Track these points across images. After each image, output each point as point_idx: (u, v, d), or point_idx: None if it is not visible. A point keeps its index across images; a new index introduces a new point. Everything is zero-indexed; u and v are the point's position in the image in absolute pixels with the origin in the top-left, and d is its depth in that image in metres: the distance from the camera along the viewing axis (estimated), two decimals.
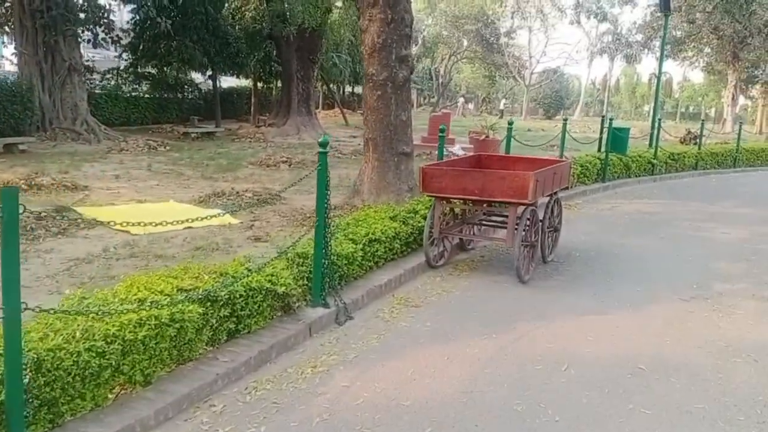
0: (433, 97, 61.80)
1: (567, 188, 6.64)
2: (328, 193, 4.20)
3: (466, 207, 6.12)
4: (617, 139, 12.24)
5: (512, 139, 9.27)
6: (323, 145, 4.11)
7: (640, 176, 13.10)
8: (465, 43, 55.72)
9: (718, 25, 35.29)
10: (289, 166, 13.31)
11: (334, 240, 4.83)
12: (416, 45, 51.62)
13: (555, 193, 6.25)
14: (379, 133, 8.34)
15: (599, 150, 12.52)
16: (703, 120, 15.44)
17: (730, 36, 35.69)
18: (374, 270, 5.26)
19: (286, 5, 19.44)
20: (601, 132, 12.55)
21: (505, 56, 49.59)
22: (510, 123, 9.16)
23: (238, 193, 8.99)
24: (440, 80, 60.50)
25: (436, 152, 17.92)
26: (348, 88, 52.07)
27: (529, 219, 5.57)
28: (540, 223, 5.89)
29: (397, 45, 8.21)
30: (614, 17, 51.71)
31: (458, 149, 18.81)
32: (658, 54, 47.00)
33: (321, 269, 4.25)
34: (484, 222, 6.70)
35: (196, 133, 19.49)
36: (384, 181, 8.27)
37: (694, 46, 41.57)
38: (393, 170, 8.34)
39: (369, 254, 5.11)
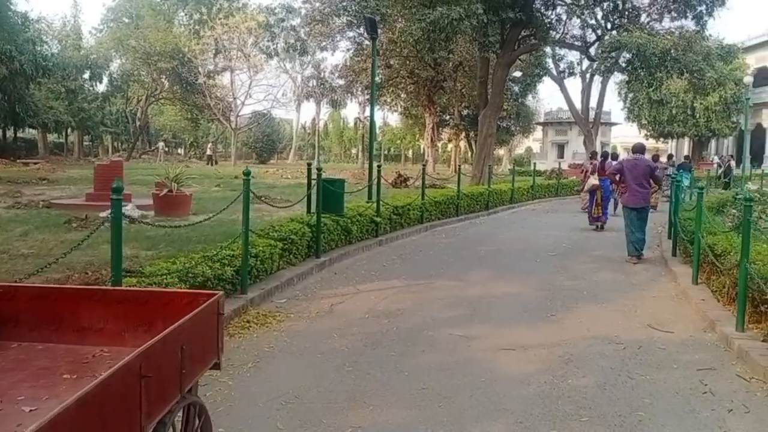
0: (131, 141, 54.59)
1: (217, 366, 2.60)
2: None
3: None
4: (330, 195, 8.87)
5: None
6: None
7: (363, 239, 10.00)
8: (166, 83, 50.22)
9: (414, 69, 36.11)
10: None
11: None
12: (100, 83, 44.48)
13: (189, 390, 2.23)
14: None
15: (308, 211, 9.01)
16: (424, 164, 13.34)
17: (425, 81, 36.81)
18: None
19: None
20: (309, 186, 9.07)
21: (207, 97, 45.29)
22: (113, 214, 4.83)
23: None
24: (137, 123, 53.65)
25: (103, 214, 12.91)
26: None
27: None
28: None
29: None
30: (318, 62, 51.44)
31: (131, 208, 13.86)
32: (361, 99, 47.90)
33: None
34: None
35: None
36: None
37: (392, 91, 42.52)
38: None
39: None
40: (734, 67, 35.38)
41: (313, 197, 8.59)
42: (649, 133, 48.74)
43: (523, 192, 20.00)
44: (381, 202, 10.74)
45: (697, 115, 42.60)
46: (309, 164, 9.33)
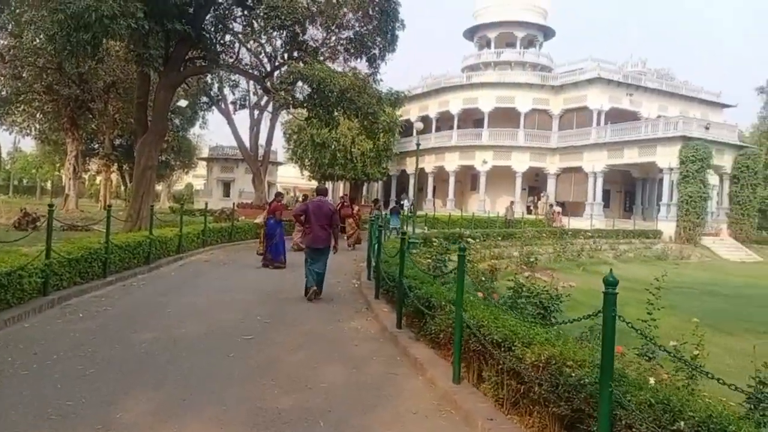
0: None
1: None
2: None
3: None
4: None
5: None
6: None
7: None
8: None
9: (53, 85, 29.70)
10: None
11: None
12: None
13: None
14: None
15: None
16: (51, 206, 8.95)
17: (67, 100, 30.58)
18: None
19: None
20: None
21: None
22: None
23: None
24: None
25: None
26: None
27: None
28: None
29: None
30: None
31: None
32: None
33: None
34: None
35: None
36: None
37: (24, 110, 34.73)
38: None
39: None
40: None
41: None
42: (311, 175, 49.80)
43: (193, 239, 16.58)
44: None
45: (355, 159, 44.91)
46: None
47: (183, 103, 28.01)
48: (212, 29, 19.49)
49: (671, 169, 34.61)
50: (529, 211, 41.11)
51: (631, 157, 38.04)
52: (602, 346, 3.40)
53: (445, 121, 48.80)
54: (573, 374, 4.06)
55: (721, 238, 34.41)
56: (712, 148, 33.98)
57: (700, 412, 3.26)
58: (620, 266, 24.16)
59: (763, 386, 3.77)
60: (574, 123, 43.71)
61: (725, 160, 36.32)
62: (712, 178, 35.52)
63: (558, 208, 34.75)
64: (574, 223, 34.25)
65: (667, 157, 34.94)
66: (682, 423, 3.18)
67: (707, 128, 35.61)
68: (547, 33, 52.10)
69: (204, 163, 54.30)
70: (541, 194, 42.44)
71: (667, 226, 34.31)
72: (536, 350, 4.55)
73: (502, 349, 4.95)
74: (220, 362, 6.02)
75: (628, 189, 45.97)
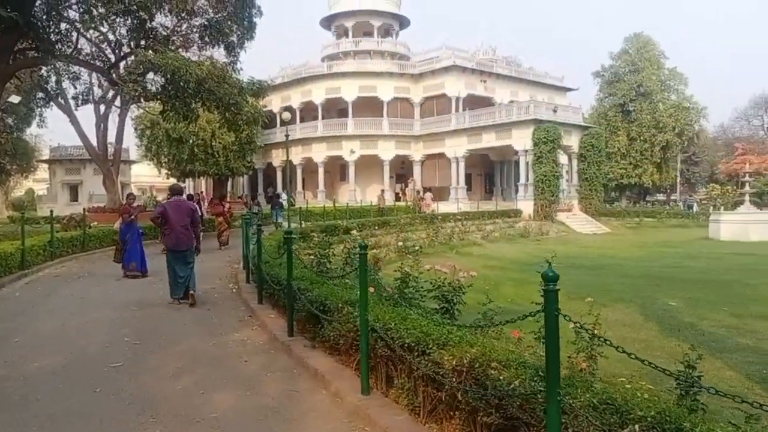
0: None
1: None
2: None
3: None
4: None
5: None
6: None
7: None
8: None
9: None
10: None
11: None
12: None
13: None
14: None
15: None
16: None
17: None
18: None
19: None
20: None
21: None
22: None
23: None
24: None
25: None
26: None
27: None
28: None
29: None
30: None
31: None
32: None
33: None
34: None
35: None
36: None
37: None
38: None
39: None
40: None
41: None
42: (169, 172, 46.88)
43: (39, 251, 14.64)
44: None
45: (217, 154, 42.84)
46: None
47: (14, 99, 24.86)
48: (44, 17, 17.31)
49: (526, 151, 36.51)
50: (397, 199, 41.65)
51: (489, 141, 39.70)
52: (546, 349, 3.07)
53: (309, 111, 48.01)
54: (501, 377, 3.73)
55: (573, 213, 36.97)
56: (561, 130, 36.29)
57: (649, 410, 3.03)
58: (489, 246, 25.07)
59: (692, 370, 3.66)
60: (434, 110, 44.81)
61: (573, 141, 39.00)
62: (563, 158, 37.98)
63: (429, 194, 35.43)
64: (441, 207, 35.13)
65: (521, 140, 36.81)
66: (636, 426, 2.93)
67: (555, 111, 38.00)
68: (403, 22, 52.90)
69: (46, 165, 49.28)
70: (409, 181, 43.17)
71: (525, 204, 36.21)
72: (456, 352, 4.18)
73: (416, 353, 4.54)
74: (86, 401, 5.07)
75: (488, 172, 48.11)
